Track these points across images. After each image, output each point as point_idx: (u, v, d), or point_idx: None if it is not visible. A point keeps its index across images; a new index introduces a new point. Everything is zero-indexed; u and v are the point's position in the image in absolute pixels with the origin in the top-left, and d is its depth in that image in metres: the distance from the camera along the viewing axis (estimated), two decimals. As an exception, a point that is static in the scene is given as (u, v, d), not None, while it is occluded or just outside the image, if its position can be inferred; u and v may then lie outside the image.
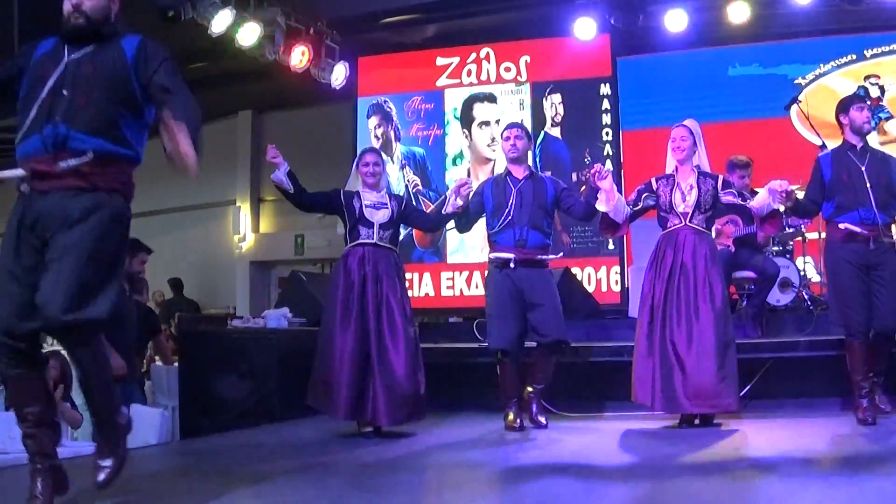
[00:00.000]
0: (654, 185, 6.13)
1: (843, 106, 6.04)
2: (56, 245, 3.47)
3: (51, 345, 12.36)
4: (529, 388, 6.27)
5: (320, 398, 5.98)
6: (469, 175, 10.98)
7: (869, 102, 9.89)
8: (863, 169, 5.85)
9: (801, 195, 6.09)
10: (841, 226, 5.91)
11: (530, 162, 6.66)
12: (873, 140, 9.53)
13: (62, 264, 3.41)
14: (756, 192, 6.20)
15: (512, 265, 6.10)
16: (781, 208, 5.96)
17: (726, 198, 6.02)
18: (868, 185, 5.81)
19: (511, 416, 6.14)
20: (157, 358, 8.77)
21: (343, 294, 5.96)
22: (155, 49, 3.74)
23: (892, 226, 5.94)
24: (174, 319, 11.51)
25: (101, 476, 3.64)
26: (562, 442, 5.70)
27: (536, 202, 6.16)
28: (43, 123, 3.54)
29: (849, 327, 5.90)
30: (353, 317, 5.91)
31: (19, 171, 3.57)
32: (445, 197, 6.21)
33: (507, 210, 6.13)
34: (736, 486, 4.11)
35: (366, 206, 6.07)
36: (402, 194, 9.41)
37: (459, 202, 6.06)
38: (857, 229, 5.83)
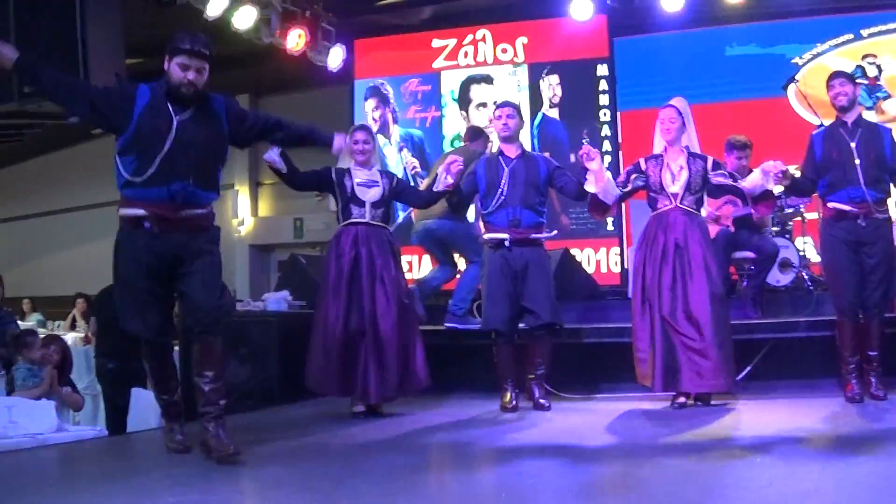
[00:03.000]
0: (644, 166, 6.06)
1: (826, 86, 6.03)
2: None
3: (50, 329, 12.34)
4: (530, 376, 6.21)
5: (316, 381, 6.01)
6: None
7: (867, 81, 9.98)
8: (853, 146, 5.81)
9: (797, 175, 6.09)
10: (830, 205, 5.92)
11: (523, 141, 6.63)
12: (872, 119, 9.56)
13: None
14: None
15: (507, 245, 6.10)
16: (777, 189, 5.94)
17: (717, 179, 5.93)
18: (857, 161, 5.77)
19: (507, 397, 6.14)
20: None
21: (335, 274, 5.94)
22: (236, 106, 4.62)
23: (888, 200, 5.90)
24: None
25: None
26: (554, 423, 5.70)
27: (529, 181, 6.14)
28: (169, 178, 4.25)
29: (838, 306, 5.94)
30: (344, 296, 5.89)
31: None
32: (437, 174, 6.18)
33: (499, 190, 6.12)
34: (719, 466, 4.07)
35: (357, 185, 6.02)
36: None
37: (450, 179, 6.03)
38: (847, 208, 5.81)
